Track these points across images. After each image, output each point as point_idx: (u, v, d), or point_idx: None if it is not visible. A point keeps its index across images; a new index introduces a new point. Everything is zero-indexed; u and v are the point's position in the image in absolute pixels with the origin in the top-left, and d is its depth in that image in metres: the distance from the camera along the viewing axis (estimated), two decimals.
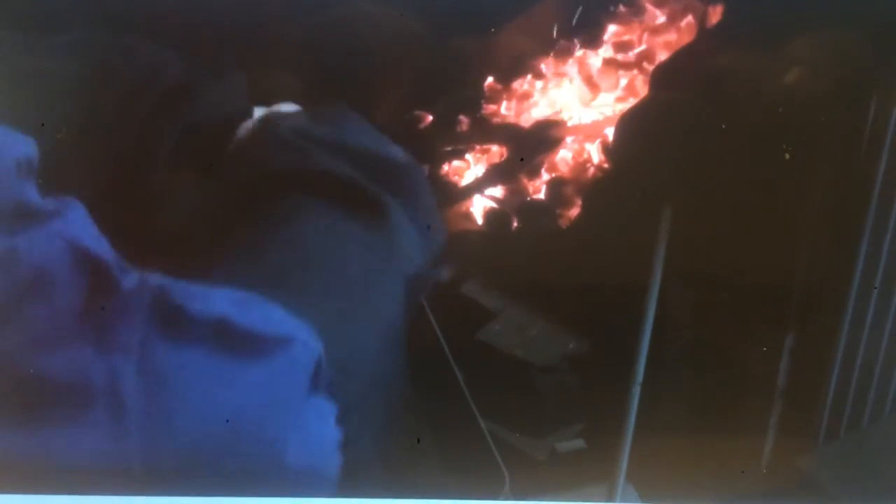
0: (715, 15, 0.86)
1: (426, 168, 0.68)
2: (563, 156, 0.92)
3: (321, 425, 0.59)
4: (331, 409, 0.59)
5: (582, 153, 0.92)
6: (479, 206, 0.92)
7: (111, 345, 0.52)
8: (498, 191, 0.93)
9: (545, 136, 0.92)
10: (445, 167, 0.92)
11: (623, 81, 0.91)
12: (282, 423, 0.57)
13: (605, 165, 0.90)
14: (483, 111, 0.92)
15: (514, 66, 0.91)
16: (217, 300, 0.56)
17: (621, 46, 0.91)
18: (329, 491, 0.60)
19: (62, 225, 0.52)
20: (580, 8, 0.88)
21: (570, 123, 0.92)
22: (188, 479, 0.55)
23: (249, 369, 0.55)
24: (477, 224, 0.91)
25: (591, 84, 0.92)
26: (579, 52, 0.91)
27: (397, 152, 0.68)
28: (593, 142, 0.92)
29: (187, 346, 0.55)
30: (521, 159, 0.89)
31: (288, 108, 0.71)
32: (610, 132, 0.88)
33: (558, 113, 0.91)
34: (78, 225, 0.53)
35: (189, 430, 0.53)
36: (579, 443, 0.80)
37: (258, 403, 0.55)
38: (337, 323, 0.59)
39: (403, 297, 0.66)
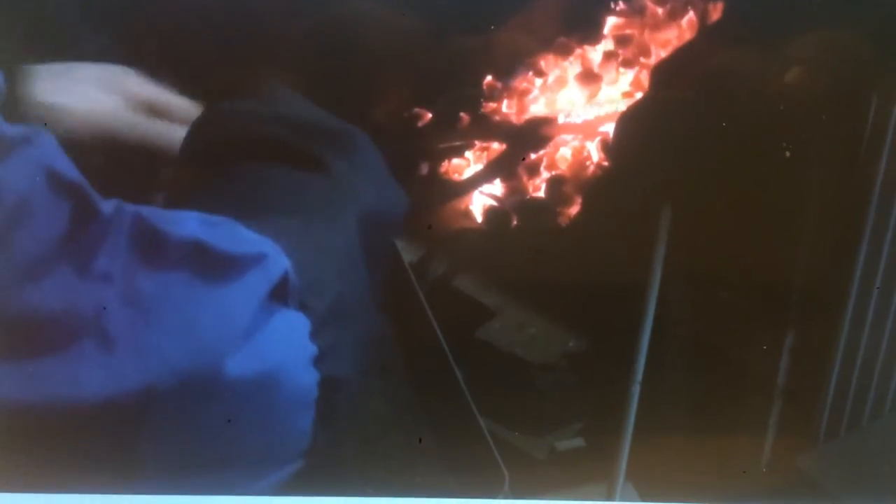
0: (715, 13, 0.86)
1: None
2: (563, 154, 0.92)
3: (296, 338, 0.60)
4: (304, 323, 0.61)
5: (582, 151, 0.92)
6: (478, 204, 0.92)
7: (95, 273, 0.53)
8: (497, 189, 0.93)
9: (545, 134, 0.92)
10: (445, 165, 0.92)
11: (623, 78, 0.91)
12: (259, 337, 0.58)
13: (605, 163, 0.90)
14: (483, 109, 0.92)
15: (514, 64, 0.91)
16: (190, 223, 0.57)
17: (622, 43, 0.91)
18: (307, 414, 0.61)
19: (37, 152, 0.53)
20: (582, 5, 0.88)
21: (569, 121, 0.91)
22: (178, 409, 0.55)
23: (227, 289, 0.56)
24: (476, 222, 0.91)
25: (591, 81, 0.92)
26: (579, 49, 0.91)
27: (331, 119, 0.70)
28: (593, 140, 0.91)
29: (167, 270, 0.56)
30: (523, 159, 0.89)
31: None
32: (610, 130, 0.88)
33: (558, 110, 0.91)
34: (51, 152, 0.54)
35: (174, 356, 0.54)
36: (579, 441, 0.80)
37: (237, 323, 0.56)
38: (302, 243, 0.61)
39: (359, 231, 0.67)
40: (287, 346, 0.61)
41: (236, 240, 0.59)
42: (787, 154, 0.76)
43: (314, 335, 0.63)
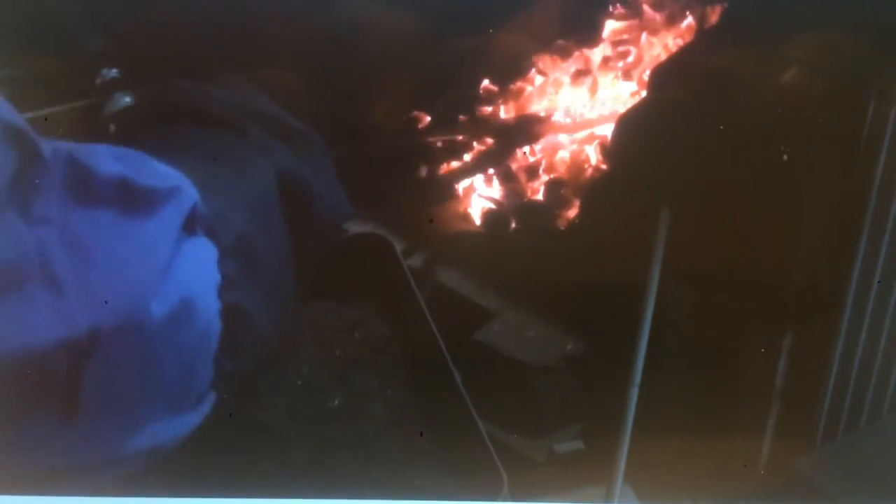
0: (713, 17, 0.86)
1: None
2: (562, 156, 0.92)
3: (205, 265, 0.61)
4: (211, 251, 0.62)
5: (580, 154, 0.93)
6: (477, 207, 0.92)
7: (36, 216, 0.54)
8: (496, 192, 0.93)
9: (542, 136, 0.92)
10: (443, 166, 0.92)
11: (621, 82, 0.92)
12: (175, 269, 0.59)
13: (603, 166, 0.90)
14: (480, 111, 0.92)
15: (512, 67, 0.91)
16: (105, 158, 0.58)
17: (620, 46, 0.91)
18: (212, 343, 0.62)
19: None
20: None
21: (567, 124, 0.92)
22: (119, 350, 0.56)
23: (149, 223, 0.58)
24: (475, 225, 0.91)
25: (589, 84, 0.92)
26: (577, 52, 0.91)
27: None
28: (591, 143, 0.92)
29: (97, 207, 0.57)
30: (523, 153, 0.89)
31: None
32: (608, 133, 0.88)
33: (556, 113, 0.91)
34: None
35: (112, 297, 0.55)
36: (577, 444, 0.80)
37: (159, 258, 0.57)
38: (211, 179, 0.63)
39: (274, 181, 0.69)
40: (198, 273, 0.62)
41: (152, 173, 0.60)
42: (785, 157, 0.76)
43: (219, 263, 0.64)
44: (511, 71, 0.92)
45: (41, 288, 0.54)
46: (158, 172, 0.61)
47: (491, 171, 0.93)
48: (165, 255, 0.59)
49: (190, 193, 0.62)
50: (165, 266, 0.58)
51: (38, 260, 0.54)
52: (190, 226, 0.61)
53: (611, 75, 0.92)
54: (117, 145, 0.62)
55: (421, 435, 0.75)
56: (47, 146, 0.55)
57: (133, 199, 0.58)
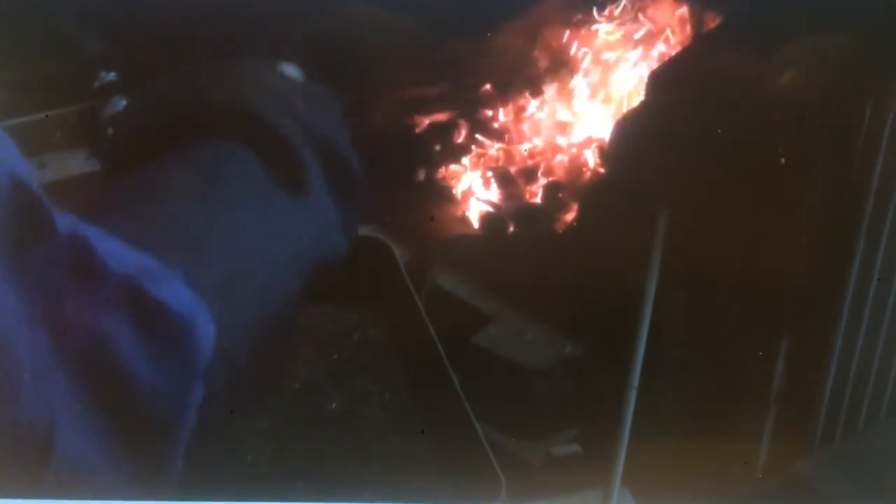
0: (710, 20, 0.86)
1: (366, 184, 0.68)
2: (560, 159, 0.92)
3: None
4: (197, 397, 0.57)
5: (578, 157, 0.93)
6: (475, 210, 0.92)
7: (32, 288, 0.49)
8: (494, 195, 0.93)
9: (540, 139, 0.93)
10: (442, 169, 0.92)
11: (619, 85, 0.92)
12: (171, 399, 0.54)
13: (601, 169, 0.90)
14: (480, 116, 0.93)
15: (513, 71, 0.92)
16: (130, 260, 0.54)
17: (616, 50, 0.91)
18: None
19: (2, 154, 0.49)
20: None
21: (566, 127, 0.92)
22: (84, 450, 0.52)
23: (150, 343, 0.53)
24: (473, 228, 0.91)
25: (587, 87, 0.92)
26: (575, 55, 0.92)
27: (354, 158, 0.67)
28: (589, 145, 0.92)
29: (100, 302, 0.52)
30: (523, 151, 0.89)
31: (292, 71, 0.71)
32: (605, 136, 0.88)
33: (554, 115, 0.92)
34: (14, 157, 0.50)
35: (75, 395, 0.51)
36: (575, 447, 0.80)
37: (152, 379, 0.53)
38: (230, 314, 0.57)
39: (299, 282, 0.65)
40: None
41: (173, 294, 0.55)
42: (783, 160, 0.76)
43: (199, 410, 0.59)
44: (510, 74, 0.92)
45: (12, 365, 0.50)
46: (178, 295, 0.55)
47: (489, 174, 0.93)
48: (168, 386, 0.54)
49: (209, 335, 0.56)
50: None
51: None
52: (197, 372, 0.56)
53: (609, 78, 0.92)
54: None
55: (422, 432, 0.75)
56: (65, 219, 0.51)
57: (140, 311, 0.53)
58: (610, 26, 0.91)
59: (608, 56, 0.91)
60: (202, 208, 0.61)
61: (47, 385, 0.49)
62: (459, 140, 0.93)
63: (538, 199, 0.92)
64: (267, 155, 0.63)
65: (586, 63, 0.91)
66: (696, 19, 0.87)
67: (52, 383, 0.49)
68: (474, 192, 0.93)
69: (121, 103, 0.80)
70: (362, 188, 0.69)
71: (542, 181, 0.92)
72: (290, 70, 0.69)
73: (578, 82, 0.91)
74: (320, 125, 0.65)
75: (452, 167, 0.93)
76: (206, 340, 0.55)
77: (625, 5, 0.91)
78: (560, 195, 0.91)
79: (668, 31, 0.90)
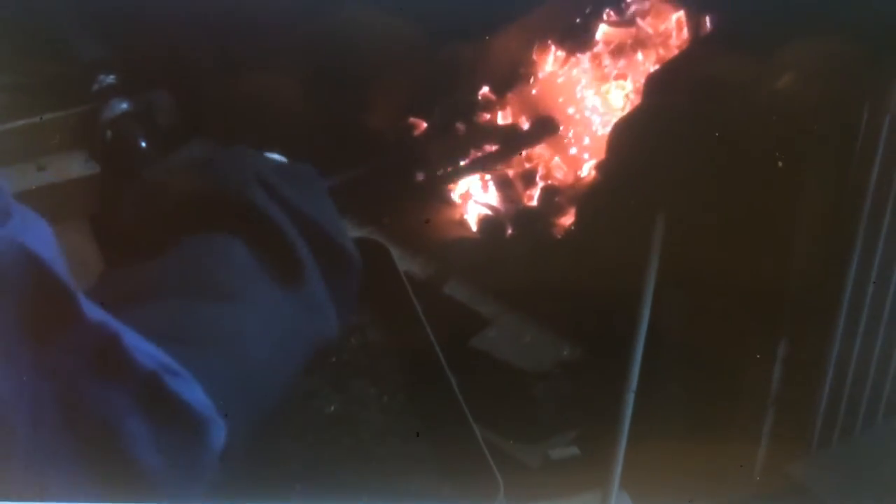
0: (707, 24, 0.86)
1: (359, 264, 0.68)
2: (558, 163, 0.93)
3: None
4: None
5: (576, 160, 0.93)
6: (473, 214, 0.92)
7: (44, 366, 0.49)
8: (493, 198, 0.93)
9: (538, 142, 0.93)
10: (440, 172, 0.92)
11: (617, 88, 0.92)
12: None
13: (600, 173, 0.90)
14: (478, 119, 0.93)
15: (510, 74, 0.92)
16: (153, 356, 0.53)
17: (614, 53, 0.92)
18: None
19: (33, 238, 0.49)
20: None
21: (564, 128, 0.92)
22: None
23: (166, 435, 0.53)
24: (471, 231, 0.91)
25: (586, 91, 0.92)
26: (573, 59, 0.92)
27: (346, 241, 0.67)
28: (587, 149, 0.92)
29: (115, 390, 0.52)
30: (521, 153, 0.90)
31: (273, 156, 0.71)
32: (604, 139, 0.88)
33: (552, 121, 0.92)
34: (42, 243, 0.49)
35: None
36: (573, 450, 0.80)
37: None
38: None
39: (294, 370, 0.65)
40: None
41: (191, 394, 0.55)
42: (780, 164, 0.76)
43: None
44: (508, 77, 0.93)
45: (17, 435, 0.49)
46: (196, 396, 0.55)
47: (488, 177, 0.93)
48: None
49: (219, 435, 0.56)
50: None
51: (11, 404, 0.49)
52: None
53: (607, 80, 0.92)
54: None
55: (417, 435, 0.75)
56: (95, 311, 0.51)
57: (156, 404, 0.53)
58: (610, 29, 0.92)
59: (608, 58, 0.91)
60: (205, 305, 0.61)
61: (54, 463, 0.49)
62: (458, 143, 0.93)
63: (536, 203, 0.92)
64: (260, 243, 0.64)
65: (586, 64, 0.91)
66: (693, 23, 0.87)
67: (60, 463, 0.50)
68: (472, 195, 0.93)
69: (120, 106, 0.80)
70: (354, 269, 0.69)
71: (541, 184, 0.92)
72: (272, 153, 0.70)
73: (578, 84, 0.92)
74: (309, 209, 0.66)
75: (451, 170, 0.93)
76: (218, 440, 0.55)
77: (624, 8, 0.91)
78: (558, 199, 0.91)
79: (667, 35, 0.90)
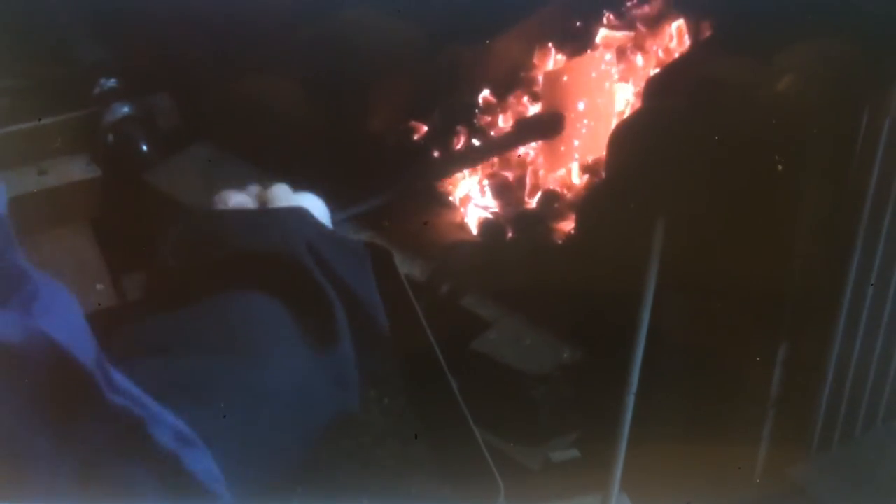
0: (707, 27, 0.87)
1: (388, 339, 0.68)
2: (558, 166, 0.93)
3: None
4: None
5: (576, 164, 0.93)
6: (473, 217, 0.92)
7: (65, 449, 0.49)
8: (493, 201, 0.93)
9: (538, 145, 0.93)
10: (440, 174, 0.93)
11: (616, 91, 0.92)
12: None
13: (600, 176, 0.91)
14: (479, 122, 0.93)
15: (511, 78, 0.92)
16: (170, 426, 0.54)
17: (614, 56, 0.92)
18: None
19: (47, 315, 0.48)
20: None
21: (564, 132, 0.92)
22: None
23: None
24: (472, 234, 0.92)
25: (585, 93, 0.92)
26: (572, 62, 0.92)
27: (380, 315, 0.67)
28: (588, 152, 0.92)
29: (135, 470, 0.52)
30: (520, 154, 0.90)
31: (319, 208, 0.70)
32: (604, 143, 0.88)
33: (552, 123, 0.92)
34: (67, 330, 0.48)
35: None
36: (574, 452, 0.80)
37: None
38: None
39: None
40: None
41: (205, 471, 0.55)
42: (780, 167, 0.76)
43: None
44: (508, 80, 0.93)
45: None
46: (210, 472, 0.56)
47: (488, 180, 0.94)
48: None
49: None
50: None
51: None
52: None
53: (607, 84, 0.92)
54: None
55: (416, 437, 0.75)
56: (119, 396, 0.50)
57: (175, 483, 0.54)
58: (609, 32, 0.92)
59: (608, 61, 0.91)
60: (230, 363, 0.61)
61: None
62: (458, 147, 0.93)
63: (537, 206, 0.92)
64: (301, 306, 0.63)
65: (585, 67, 0.91)
66: (693, 26, 0.87)
67: None
68: (472, 198, 0.93)
69: (121, 110, 0.80)
70: (384, 344, 0.69)
71: (541, 188, 0.92)
72: (318, 212, 0.68)
73: (578, 86, 0.92)
74: (352, 280, 0.65)
75: (451, 173, 0.93)
76: None
77: (624, 12, 0.91)
78: (558, 202, 0.91)
79: (667, 38, 0.90)
